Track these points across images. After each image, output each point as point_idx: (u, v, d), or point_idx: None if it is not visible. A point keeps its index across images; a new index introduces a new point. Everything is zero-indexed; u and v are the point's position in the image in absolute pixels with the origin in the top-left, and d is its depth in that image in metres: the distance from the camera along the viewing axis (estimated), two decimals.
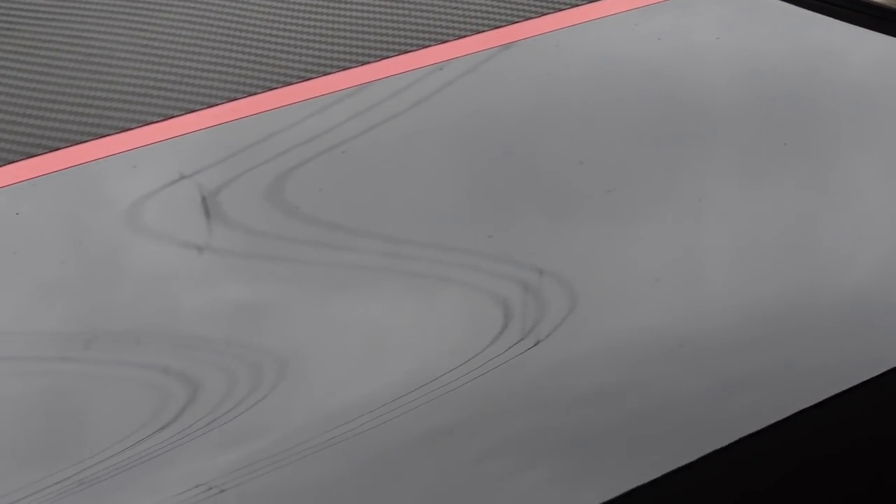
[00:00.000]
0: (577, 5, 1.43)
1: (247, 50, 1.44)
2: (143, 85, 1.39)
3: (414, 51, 1.40)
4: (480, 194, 1.23)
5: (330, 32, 1.47)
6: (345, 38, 1.45)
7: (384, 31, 1.45)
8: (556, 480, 0.97)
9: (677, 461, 0.95)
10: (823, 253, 1.14)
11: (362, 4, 1.51)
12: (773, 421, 0.96)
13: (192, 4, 1.53)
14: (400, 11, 1.48)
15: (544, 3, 1.45)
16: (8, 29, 1.51)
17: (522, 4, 1.45)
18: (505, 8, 1.46)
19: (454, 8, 1.47)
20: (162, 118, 1.34)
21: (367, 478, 0.99)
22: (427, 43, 1.41)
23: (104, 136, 1.32)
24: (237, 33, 1.47)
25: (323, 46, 1.44)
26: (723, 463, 0.97)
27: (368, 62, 1.39)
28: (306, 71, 1.39)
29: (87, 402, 1.09)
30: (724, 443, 0.95)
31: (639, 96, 1.33)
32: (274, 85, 1.37)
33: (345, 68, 1.39)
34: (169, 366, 1.10)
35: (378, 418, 1.01)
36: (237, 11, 1.51)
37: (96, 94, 1.39)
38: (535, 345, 1.05)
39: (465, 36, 1.41)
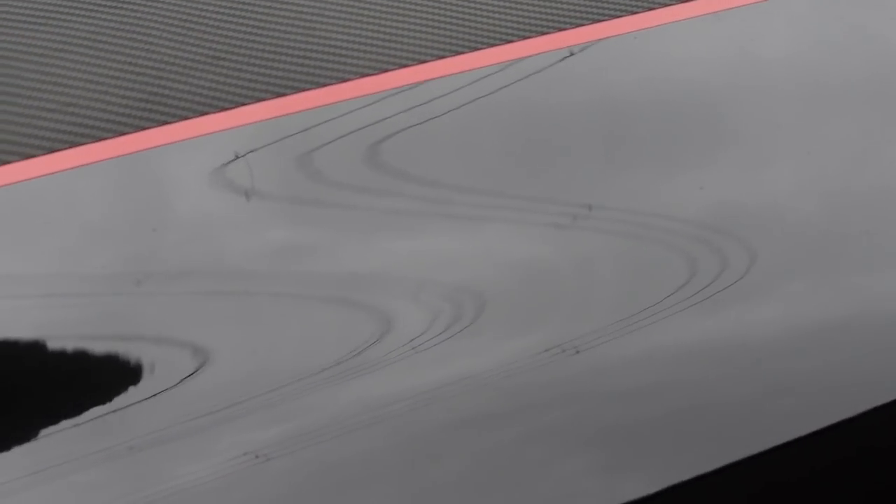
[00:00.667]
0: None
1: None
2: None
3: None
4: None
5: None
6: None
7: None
8: (595, 471, 1.00)
9: (717, 462, 0.99)
10: (881, 264, 1.16)
11: None
12: (814, 428, 0.99)
13: None
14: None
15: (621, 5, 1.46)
16: None
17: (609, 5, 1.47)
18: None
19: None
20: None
21: (407, 456, 1.00)
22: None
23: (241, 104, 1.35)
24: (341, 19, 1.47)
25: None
26: (762, 467, 1.00)
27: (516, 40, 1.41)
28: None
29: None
30: (765, 447, 0.99)
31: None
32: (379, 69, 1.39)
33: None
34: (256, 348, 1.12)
35: (420, 402, 1.03)
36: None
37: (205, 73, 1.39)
38: (585, 343, 1.07)
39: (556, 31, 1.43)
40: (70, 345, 1.14)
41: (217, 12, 1.51)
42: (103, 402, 1.07)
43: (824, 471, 1.03)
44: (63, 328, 1.16)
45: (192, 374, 1.10)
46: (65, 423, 1.05)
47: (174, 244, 1.24)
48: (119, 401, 1.07)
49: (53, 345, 1.14)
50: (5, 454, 1.04)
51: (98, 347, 1.14)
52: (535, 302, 1.11)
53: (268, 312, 1.15)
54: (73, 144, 1.32)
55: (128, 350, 1.13)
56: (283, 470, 1.00)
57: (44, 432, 1.05)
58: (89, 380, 1.11)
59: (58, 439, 1.04)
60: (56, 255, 1.21)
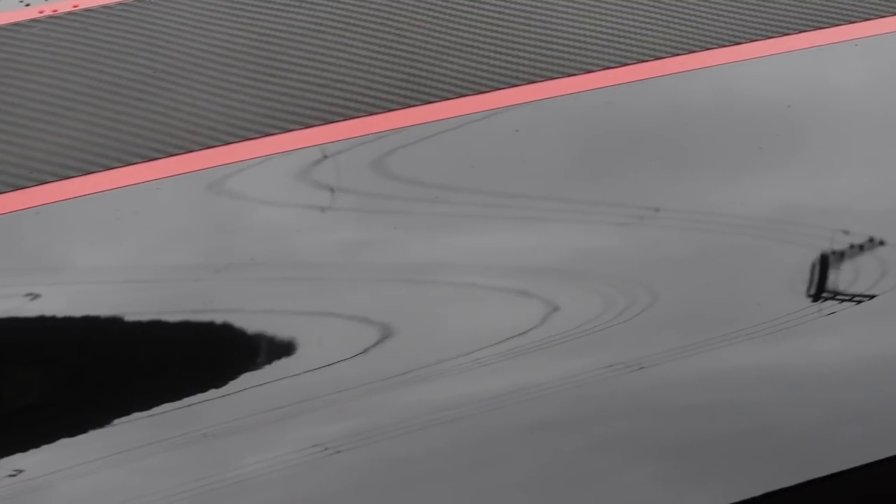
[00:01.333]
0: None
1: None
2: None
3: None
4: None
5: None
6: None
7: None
8: (656, 484, 1.03)
9: (778, 483, 1.02)
10: None
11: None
12: (879, 457, 1.03)
13: None
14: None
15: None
16: None
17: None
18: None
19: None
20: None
21: (470, 459, 1.04)
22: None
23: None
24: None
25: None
26: (822, 492, 1.04)
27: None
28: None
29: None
30: (827, 472, 1.02)
31: None
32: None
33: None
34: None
35: (485, 407, 1.07)
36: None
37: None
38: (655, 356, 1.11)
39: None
40: (150, 334, 1.18)
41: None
42: (180, 391, 1.10)
43: (885, 499, 1.07)
44: (152, 315, 1.19)
45: (266, 366, 1.13)
46: (143, 410, 1.09)
47: None
48: (195, 389, 1.10)
49: (134, 332, 1.18)
50: (86, 435, 1.07)
51: (177, 339, 1.17)
52: (602, 315, 1.15)
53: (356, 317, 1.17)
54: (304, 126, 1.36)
55: (204, 342, 1.17)
56: (350, 463, 1.03)
57: (123, 417, 1.09)
58: (168, 367, 1.15)
59: (136, 424, 1.07)
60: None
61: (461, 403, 1.08)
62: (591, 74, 1.45)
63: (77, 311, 1.21)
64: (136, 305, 1.20)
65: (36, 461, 1.06)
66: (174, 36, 1.54)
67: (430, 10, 1.57)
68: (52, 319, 1.21)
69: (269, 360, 1.16)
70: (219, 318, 1.19)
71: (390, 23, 1.54)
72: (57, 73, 1.47)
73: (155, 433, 1.07)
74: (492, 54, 1.48)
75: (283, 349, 1.16)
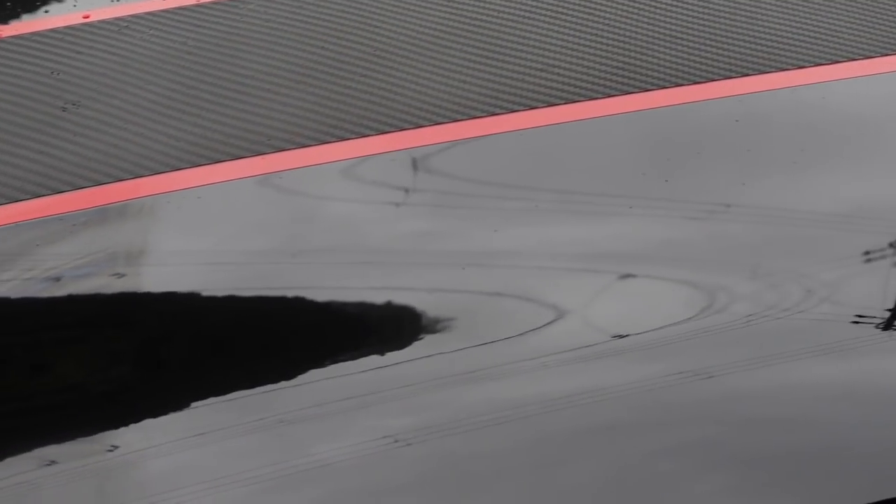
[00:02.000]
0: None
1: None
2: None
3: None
4: None
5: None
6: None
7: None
8: (721, 495, 0.98)
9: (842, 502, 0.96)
10: None
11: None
12: None
13: None
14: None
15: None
16: None
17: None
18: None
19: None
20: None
21: (535, 459, 1.02)
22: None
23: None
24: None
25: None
26: None
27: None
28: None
29: None
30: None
31: None
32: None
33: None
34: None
35: (553, 407, 1.06)
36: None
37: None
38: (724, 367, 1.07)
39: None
40: (231, 319, 1.19)
41: None
42: (260, 376, 1.12)
43: None
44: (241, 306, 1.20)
45: (338, 360, 1.13)
46: (225, 393, 1.11)
47: None
48: (273, 376, 1.11)
49: (218, 317, 1.19)
50: (170, 416, 1.10)
51: (256, 324, 1.18)
52: (670, 323, 1.11)
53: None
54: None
55: (279, 328, 1.17)
56: (418, 456, 1.03)
57: (206, 399, 1.11)
58: (249, 352, 1.16)
59: (218, 407, 1.09)
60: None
61: (528, 403, 1.06)
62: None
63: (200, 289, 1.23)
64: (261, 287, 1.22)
65: (128, 438, 1.09)
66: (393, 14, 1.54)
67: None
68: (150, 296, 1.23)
69: (347, 351, 1.15)
70: (305, 305, 1.21)
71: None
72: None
73: (234, 417, 1.08)
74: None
75: (361, 339, 1.16)
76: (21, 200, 1.34)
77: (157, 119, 1.43)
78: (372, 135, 1.35)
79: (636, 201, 1.25)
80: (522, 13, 1.54)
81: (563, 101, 1.37)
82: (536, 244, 1.22)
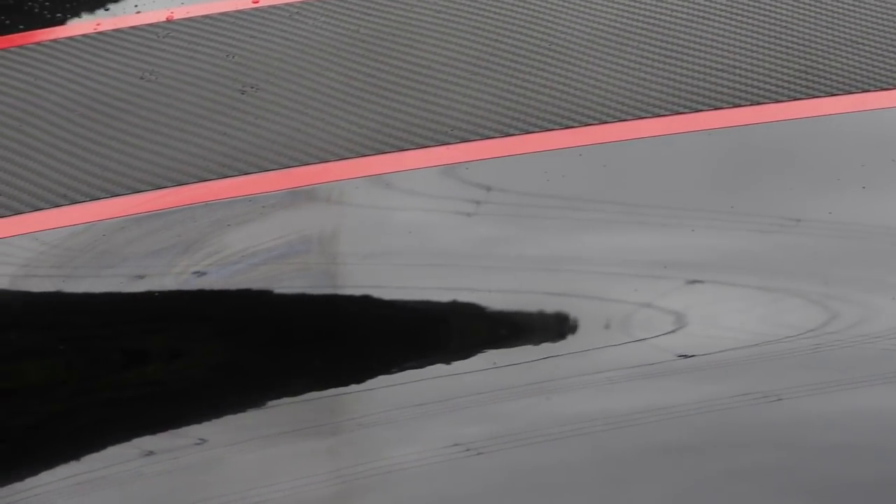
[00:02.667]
0: None
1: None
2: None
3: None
4: None
5: None
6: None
7: None
8: None
9: None
10: None
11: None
12: None
13: None
14: None
15: None
16: None
17: None
18: None
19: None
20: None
21: (602, 474, 1.02)
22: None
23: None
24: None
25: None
26: None
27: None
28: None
29: None
30: None
31: None
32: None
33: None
34: None
35: (622, 423, 1.05)
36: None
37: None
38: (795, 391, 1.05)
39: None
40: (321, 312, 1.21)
41: None
42: (337, 379, 1.13)
43: None
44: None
45: (415, 366, 1.13)
46: (300, 393, 1.12)
47: None
48: (344, 380, 1.12)
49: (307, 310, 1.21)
50: (250, 413, 1.11)
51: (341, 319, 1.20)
52: (739, 343, 1.10)
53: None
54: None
55: (356, 329, 1.18)
56: (488, 466, 1.03)
57: (282, 399, 1.12)
58: (330, 351, 1.16)
59: (294, 408, 1.11)
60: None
61: (595, 418, 1.06)
62: None
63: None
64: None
65: (212, 432, 1.11)
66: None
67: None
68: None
69: (424, 358, 1.16)
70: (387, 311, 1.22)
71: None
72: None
73: (310, 417, 1.09)
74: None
75: (439, 348, 1.17)
76: (208, 180, 1.37)
77: (337, 105, 1.45)
78: (554, 129, 1.37)
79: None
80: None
81: (748, 103, 1.37)
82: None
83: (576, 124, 1.36)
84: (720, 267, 1.20)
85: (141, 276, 1.27)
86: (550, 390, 1.09)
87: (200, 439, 1.09)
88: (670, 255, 1.21)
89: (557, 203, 1.29)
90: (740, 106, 1.37)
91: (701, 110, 1.37)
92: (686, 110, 1.37)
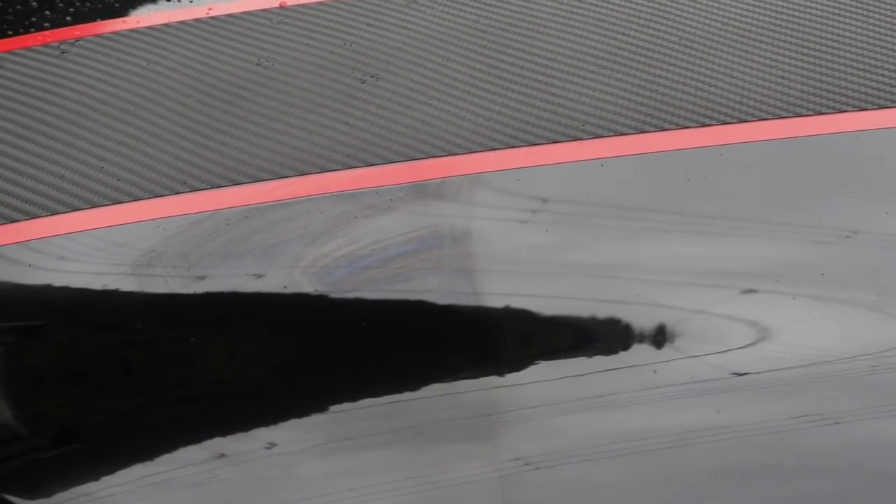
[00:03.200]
0: None
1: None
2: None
3: None
4: None
5: None
6: None
7: None
8: None
9: None
10: None
11: None
12: None
13: None
14: None
15: None
16: None
17: None
18: None
19: None
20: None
21: (662, 496, 1.01)
22: None
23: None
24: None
25: None
26: None
27: None
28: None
29: None
30: None
31: None
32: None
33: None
34: None
35: (680, 441, 1.03)
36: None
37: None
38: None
39: None
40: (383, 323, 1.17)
41: None
42: (389, 384, 1.11)
43: None
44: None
45: (484, 377, 1.11)
46: (365, 400, 1.11)
47: None
48: (400, 387, 1.11)
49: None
50: (312, 418, 1.09)
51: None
52: (802, 365, 1.07)
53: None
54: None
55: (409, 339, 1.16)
56: (546, 482, 1.02)
57: (348, 403, 1.11)
58: (389, 357, 1.15)
59: (358, 414, 1.09)
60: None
61: (654, 435, 1.04)
62: None
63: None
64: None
65: (283, 437, 1.10)
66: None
67: None
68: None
69: (483, 368, 1.14)
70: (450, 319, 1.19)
71: None
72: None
73: (373, 425, 1.09)
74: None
75: (502, 358, 1.15)
76: (332, 171, 1.34)
77: (460, 96, 1.42)
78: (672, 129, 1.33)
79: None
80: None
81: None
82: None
83: (713, 122, 1.32)
84: (792, 280, 1.17)
85: (265, 270, 1.24)
86: (607, 405, 1.08)
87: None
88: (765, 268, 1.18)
89: (696, 205, 1.26)
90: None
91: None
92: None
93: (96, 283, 1.26)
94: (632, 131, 1.33)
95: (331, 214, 1.29)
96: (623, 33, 1.49)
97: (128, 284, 1.27)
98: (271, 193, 1.32)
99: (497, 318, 1.18)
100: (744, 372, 1.08)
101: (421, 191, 1.32)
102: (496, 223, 1.28)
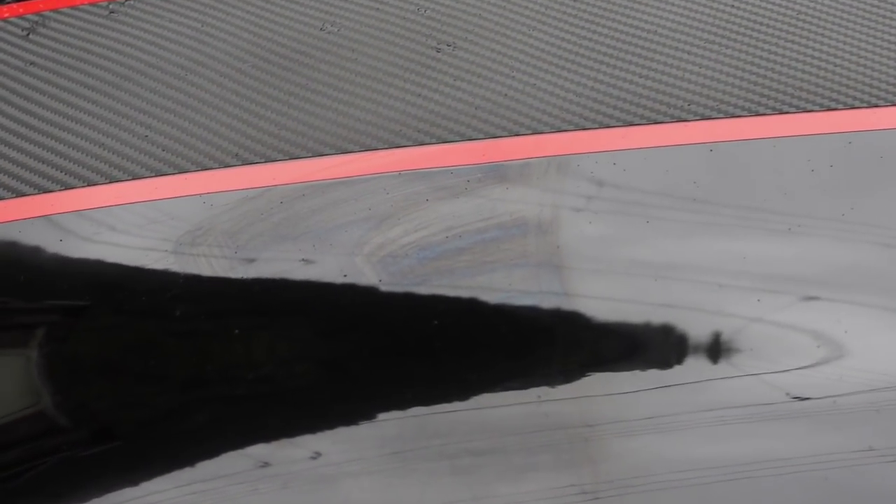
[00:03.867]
0: None
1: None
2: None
3: None
4: None
5: None
6: None
7: None
8: None
9: None
10: None
11: None
12: None
13: None
14: None
15: None
16: None
17: None
18: None
19: None
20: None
21: None
22: None
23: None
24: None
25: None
26: None
27: None
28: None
29: None
30: None
31: None
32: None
33: None
34: None
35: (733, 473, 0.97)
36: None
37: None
38: None
39: None
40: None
41: None
42: (437, 401, 1.03)
43: None
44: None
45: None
46: (401, 410, 1.04)
47: None
48: (457, 404, 1.04)
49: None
50: (360, 427, 1.03)
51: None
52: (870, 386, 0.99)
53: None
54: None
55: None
56: None
57: (393, 412, 1.04)
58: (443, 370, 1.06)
59: (405, 424, 1.02)
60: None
61: (709, 466, 0.99)
62: None
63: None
64: None
65: (327, 447, 1.04)
66: None
67: None
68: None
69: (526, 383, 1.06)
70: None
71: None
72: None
73: (417, 442, 1.03)
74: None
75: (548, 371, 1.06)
76: (400, 146, 1.20)
77: (548, 69, 1.27)
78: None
79: None
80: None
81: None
82: None
83: (840, 107, 1.17)
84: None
85: (322, 256, 1.10)
86: (662, 429, 1.02)
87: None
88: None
89: (822, 200, 1.10)
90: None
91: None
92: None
93: (132, 261, 1.13)
94: (745, 113, 1.17)
95: (399, 195, 1.15)
96: (734, 4, 1.33)
97: (167, 264, 1.13)
98: (332, 170, 1.18)
99: (586, 321, 1.04)
100: (802, 396, 1.03)
101: (502, 172, 1.17)
102: (591, 213, 1.13)
